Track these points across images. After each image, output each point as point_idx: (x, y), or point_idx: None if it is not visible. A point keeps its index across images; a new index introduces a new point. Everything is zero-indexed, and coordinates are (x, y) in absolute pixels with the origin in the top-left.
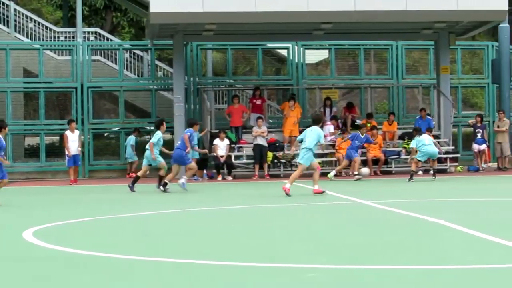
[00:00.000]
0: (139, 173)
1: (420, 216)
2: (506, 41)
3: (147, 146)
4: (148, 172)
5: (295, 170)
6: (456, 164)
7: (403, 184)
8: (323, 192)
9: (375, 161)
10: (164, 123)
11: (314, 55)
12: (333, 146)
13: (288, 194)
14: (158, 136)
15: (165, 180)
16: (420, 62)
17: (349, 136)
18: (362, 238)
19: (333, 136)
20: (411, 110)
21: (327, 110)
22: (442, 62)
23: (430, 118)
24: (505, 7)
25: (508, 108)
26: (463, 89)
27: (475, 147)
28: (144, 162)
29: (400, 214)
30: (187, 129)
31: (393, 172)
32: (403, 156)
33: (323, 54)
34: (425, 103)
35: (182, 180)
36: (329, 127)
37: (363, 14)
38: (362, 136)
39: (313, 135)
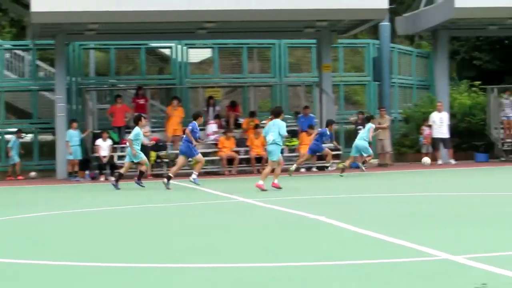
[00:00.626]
0: (121, 170)
1: (301, 213)
2: (386, 39)
3: (127, 143)
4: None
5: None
6: (339, 161)
7: (285, 181)
8: (280, 188)
9: (258, 159)
10: (142, 118)
11: (198, 54)
12: (216, 145)
13: (263, 189)
14: (136, 131)
15: (170, 174)
16: (303, 60)
17: (319, 131)
18: (242, 237)
19: (216, 135)
20: (295, 108)
21: (211, 109)
22: (324, 60)
23: (312, 116)
24: (386, 5)
25: (389, 105)
26: (345, 86)
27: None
28: (126, 159)
29: (281, 212)
30: (192, 122)
31: None
32: (286, 154)
33: (206, 53)
34: (308, 101)
35: (194, 176)
36: (212, 126)
37: (246, 13)
38: (328, 134)
39: (275, 129)
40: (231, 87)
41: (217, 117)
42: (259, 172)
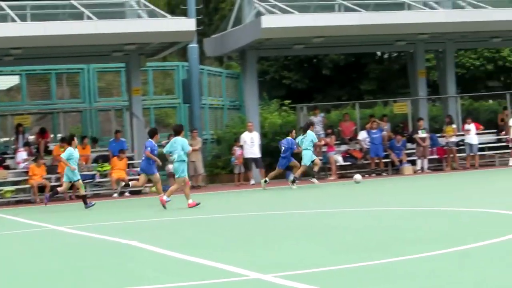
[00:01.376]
0: (60, 189)
1: (113, 239)
2: (195, 61)
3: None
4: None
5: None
6: (151, 184)
7: (100, 207)
8: (198, 203)
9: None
10: (75, 138)
11: (5, 81)
12: (26, 173)
13: (164, 206)
14: (69, 151)
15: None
16: (113, 84)
17: (285, 145)
18: (50, 265)
19: (26, 163)
20: (106, 132)
21: (20, 136)
22: (134, 84)
23: (123, 140)
24: (193, 28)
25: (200, 127)
26: (156, 109)
27: (171, 167)
28: (65, 179)
29: (94, 238)
30: (148, 141)
31: (88, 196)
32: (97, 180)
33: (14, 80)
34: (119, 126)
35: (165, 198)
36: (22, 154)
37: (53, 39)
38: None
39: (178, 147)
40: (40, 114)
41: (26, 144)
42: (71, 199)
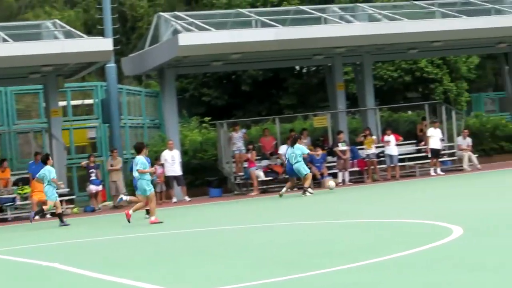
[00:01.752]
0: (59, 211)
1: (34, 261)
2: (113, 81)
3: (46, 183)
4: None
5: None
6: (73, 206)
7: (22, 230)
8: (161, 222)
9: None
10: (50, 157)
11: None
12: None
13: (129, 220)
14: (53, 170)
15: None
16: (32, 106)
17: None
18: None
19: None
20: (25, 155)
21: None
22: (52, 106)
23: None
24: (110, 47)
25: (120, 146)
26: (76, 130)
27: (92, 188)
28: (52, 199)
29: (13, 262)
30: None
31: (9, 219)
32: (18, 202)
33: None
34: (39, 148)
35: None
36: None
37: None
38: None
39: (136, 166)
40: None
41: None
42: None
